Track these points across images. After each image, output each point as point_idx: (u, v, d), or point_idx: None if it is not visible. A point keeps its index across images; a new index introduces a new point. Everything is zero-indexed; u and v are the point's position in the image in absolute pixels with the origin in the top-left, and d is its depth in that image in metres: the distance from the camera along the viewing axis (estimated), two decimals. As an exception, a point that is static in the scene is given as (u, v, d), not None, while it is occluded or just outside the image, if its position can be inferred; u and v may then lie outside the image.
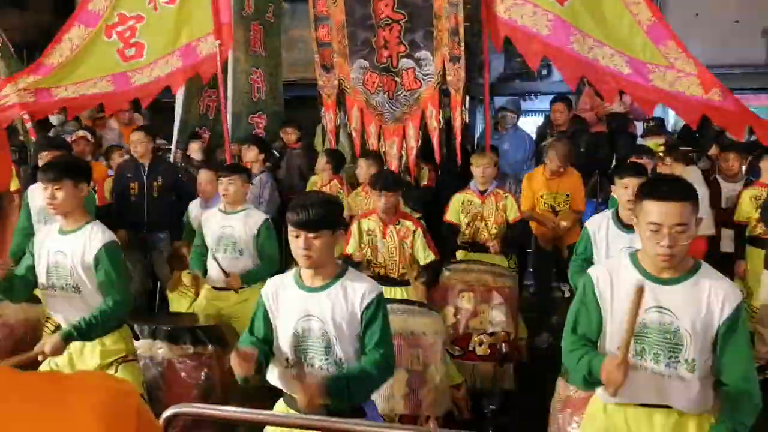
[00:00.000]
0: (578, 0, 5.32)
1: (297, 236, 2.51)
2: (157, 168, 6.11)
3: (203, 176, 5.63)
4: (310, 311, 2.56)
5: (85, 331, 3.21)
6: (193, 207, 5.69)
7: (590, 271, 2.46)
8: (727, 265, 5.33)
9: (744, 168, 6.15)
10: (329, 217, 2.52)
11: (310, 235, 2.48)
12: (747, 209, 5.47)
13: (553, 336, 6.04)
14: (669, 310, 2.28)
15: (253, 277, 4.41)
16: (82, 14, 6.50)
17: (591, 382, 2.36)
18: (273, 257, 4.49)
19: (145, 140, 6.08)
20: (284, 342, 2.59)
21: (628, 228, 3.94)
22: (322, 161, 6.26)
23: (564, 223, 5.61)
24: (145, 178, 6.03)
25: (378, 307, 2.55)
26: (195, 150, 7.05)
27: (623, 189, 3.97)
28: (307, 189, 6.34)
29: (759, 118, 5.40)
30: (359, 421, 2.48)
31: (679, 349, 2.27)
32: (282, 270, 5.68)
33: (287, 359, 2.58)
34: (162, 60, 6.46)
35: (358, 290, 2.55)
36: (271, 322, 2.63)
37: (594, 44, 5.26)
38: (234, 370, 2.46)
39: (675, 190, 2.28)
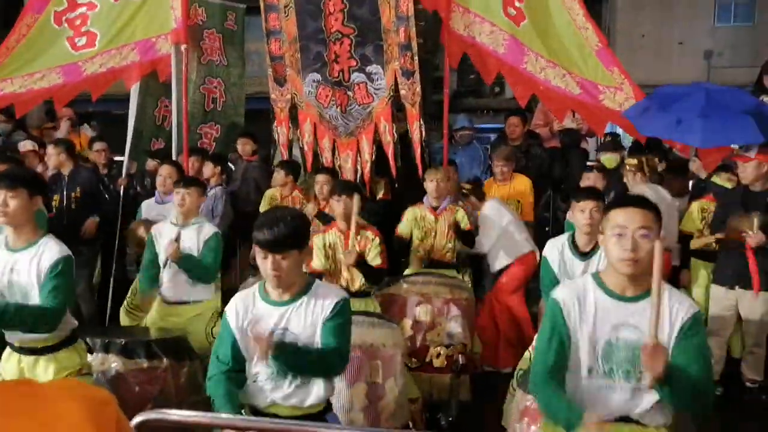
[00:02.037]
0: (533, 22, 5.47)
1: (265, 257, 2.50)
2: (76, 178, 6.03)
3: (164, 170, 5.61)
4: (281, 325, 2.56)
5: (10, 315, 3.06)
6: (146, 205, 5.68)
7: (555, 295, 2.47)
8: (672, 277, 5.48)
9: (691, 183, 6.34)
10: (297, 237, 2.52)
11: (278, 256, 2.47)
12: (695, 220, 5.62)
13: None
14: (635, 326, 2.32)
15: (191, 263, 4.41)
16: (34, 1, 6.36)
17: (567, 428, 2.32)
18: (209, 269, 4.49)
19: (54, 152, 6.05)
20: (257, 358, 2.55)
21: (583, 255, 4.01)
22: (281, 174, 6.22)
23: None
24: (64, 189, 5.95)
25: (342, 310, 2.58)
26: (153, 167, 6.93)
27: (580, 212, 4.01)
28: (264, 203, 6.29)
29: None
30: (331, 425, 2.48)
31: None
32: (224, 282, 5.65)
33: (258, 373, 2.57)
34: (115, 50, 6.33)
35: (326, 299, 2.58)
36: (238, 342, 2.60)
37: (546, 65, 5.42)
38: None
39: (638, 199, 2.41)
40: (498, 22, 5.54)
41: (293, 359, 2.51)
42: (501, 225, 5.63)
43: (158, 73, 6.49)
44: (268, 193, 6.35)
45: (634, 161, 5.61)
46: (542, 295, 4.24)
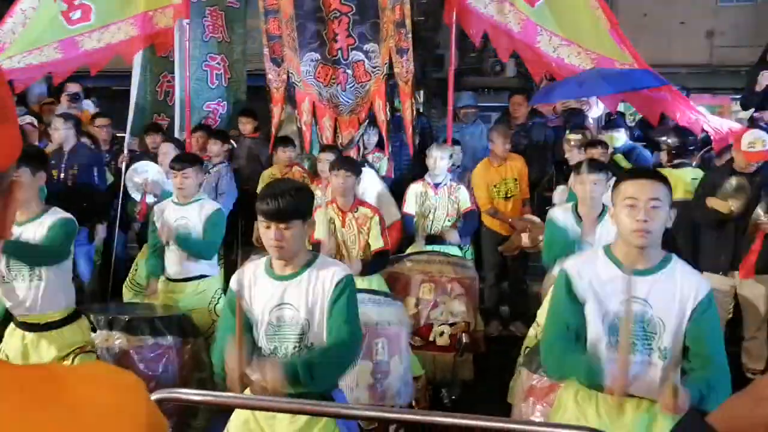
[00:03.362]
0: (548, 2, 5.61)
1: (268, 227, 2.47)
2: (76, 155, 5.97)
3: (164, 148, 5.62)
4: (283, 299, 2.53)
5: (20, 248, 3.19)
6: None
7: (564, 266, 2.50)
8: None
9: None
10: (300, 207, 2.49)
11: (281, 225, 2.45)
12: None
13: (503, 326, 6.15)
14: (643, 300, 2.33)
15: (188, 242, 4.41)
16: None
17: (589, 383, 2.37)
18: (212, 244, 4.49)
19: (63, 127, 5.97)
20: (258, 332, 2.56)
21: None
22: (286, 153, 6.16)
23: (525, 241, 5.69)
24: (63, 165, 5.89)
25: (346, 287, 2.53)
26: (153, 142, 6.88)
27: (581, 185, 4.04)
28: (262, 182, 6.22)
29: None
30: (341, 404, 2.47)
31: (653, 338, 2.33)
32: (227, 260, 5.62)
33: (261, 348, 2.56)
34: (114, 26, 6.30)
35: (328, 274, 2.54)
36: (245, 313, 2.58)
37: (561, 43, 5.58)
38: (228, 368, 2.39)
39: (649, 171, 2.48)
40: (515, 2, 5.70)
41: (308, 379, 2.39)
42: (378, 191, 5.63)
43: (156, 46, 6.42)
44: (266, 173, 6.24)
45: (578, 136, 5.68)
46: (544, 258, 4.23)
